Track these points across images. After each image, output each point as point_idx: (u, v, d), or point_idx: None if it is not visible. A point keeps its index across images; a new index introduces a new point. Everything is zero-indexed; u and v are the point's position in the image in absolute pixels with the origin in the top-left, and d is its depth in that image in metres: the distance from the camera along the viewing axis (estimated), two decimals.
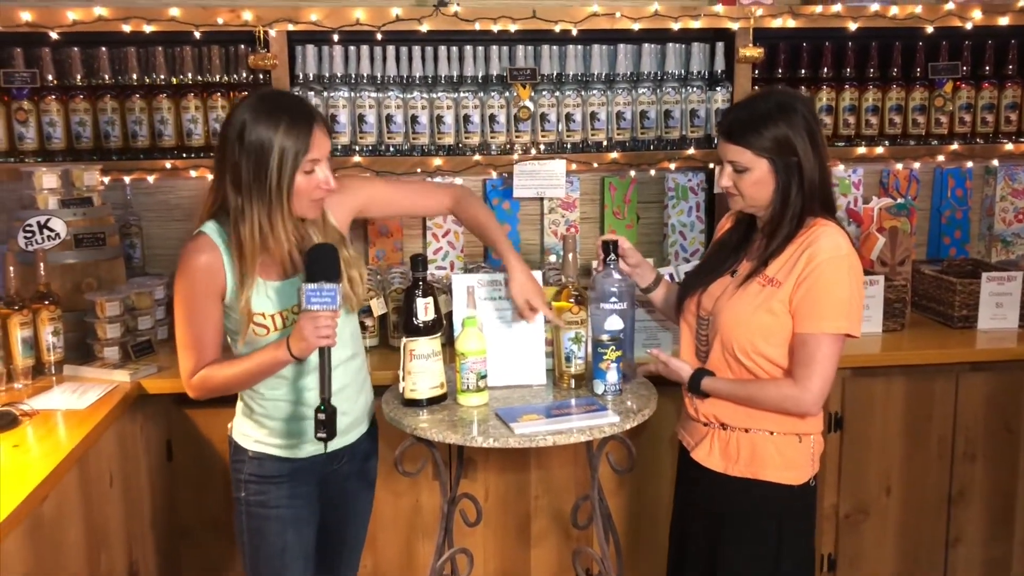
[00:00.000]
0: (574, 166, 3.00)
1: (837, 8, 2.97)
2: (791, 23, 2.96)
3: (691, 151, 3.04)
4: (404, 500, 2.70)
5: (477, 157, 2.95)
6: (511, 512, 2.74)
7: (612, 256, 2.23)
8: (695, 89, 3.02)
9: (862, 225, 3.15)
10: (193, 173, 2.91)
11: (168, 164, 2.89)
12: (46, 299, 2.52)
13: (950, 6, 3.00)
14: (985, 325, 2.92)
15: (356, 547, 2.25)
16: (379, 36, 2.86)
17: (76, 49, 2.87)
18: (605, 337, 2.18)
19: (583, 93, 2.98)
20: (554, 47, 3.00)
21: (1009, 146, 3.18)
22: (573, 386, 2.28)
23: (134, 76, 2.91)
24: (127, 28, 2.75)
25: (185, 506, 2.65)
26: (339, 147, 2.88)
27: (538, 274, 2.29)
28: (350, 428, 2.10)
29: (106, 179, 2.83)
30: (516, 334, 2.31)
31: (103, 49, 2.88)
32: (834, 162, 3.14)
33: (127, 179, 2.97)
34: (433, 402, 2.16)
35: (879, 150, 3.13)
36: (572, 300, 2.26)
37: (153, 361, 2.64)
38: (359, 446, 2.14)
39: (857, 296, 1.93)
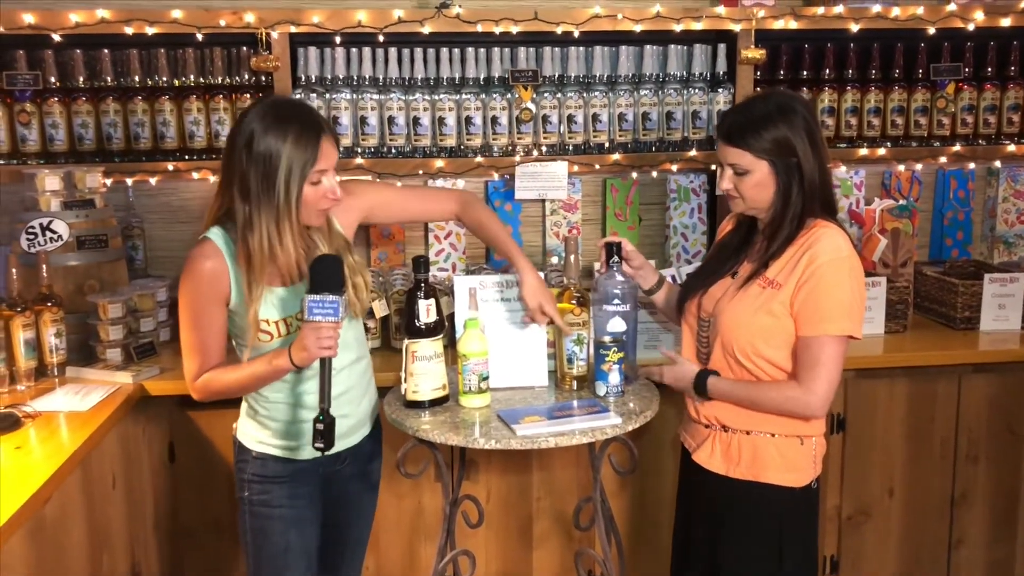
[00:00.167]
0: (576, 168, 3.00)
1: (839, 9, 2.97)
2: (793, 24, 2.96)
3: (693, 152, 3.04)
4: (406, 502, 2.70)
5: (479, 159, 2.95)
6: (513, 514, 2.74)
7: (615, 258, 2.22)
8: (697, 91, 3.02)
9: (864, 226, 3.15)
10: (195, 175, 2.91)
11: (170, 166, 2.88)
12: (48, 301, 2.52)
13: (952, 7, 3.00)
14: (987, 327, 2.91)
15: (359, 548, 2.25)
16: (381, 38, 2.86)
17: (78, 51, 2.87)
18: (607, 339, 2.18)
19: (585, 95, 2.98)
20: (556, 49, 2.99)
21: (1011, 147, 3.17)
22: (575, 388, 2.28)
23: (136, 78, 2.90)
24: (129, 30, 2.74)
25: (187, 507, 2.65)
26: (341, 149, 2.83)
27: (540, 275, 2.27)
28: (353, 430, 2.10)
29: (108, 181, 2.82)
30: (518, 336, 2.30)
31: (105, 51, 2.88)
32: (836, 163, 3.13)
33: (129, 181, 2.96)
34: (435, 404, 2.16)
35: (881, 151, 3.13)
36: (574, 302, 2.26)
37: (155, 363, 2.64)
38: (362, 448, 2.14)
39: (859, 297, 1.92)
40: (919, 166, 3.31)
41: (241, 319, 1.95)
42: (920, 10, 2.97)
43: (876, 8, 2.96)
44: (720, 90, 3.02)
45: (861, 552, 2.85)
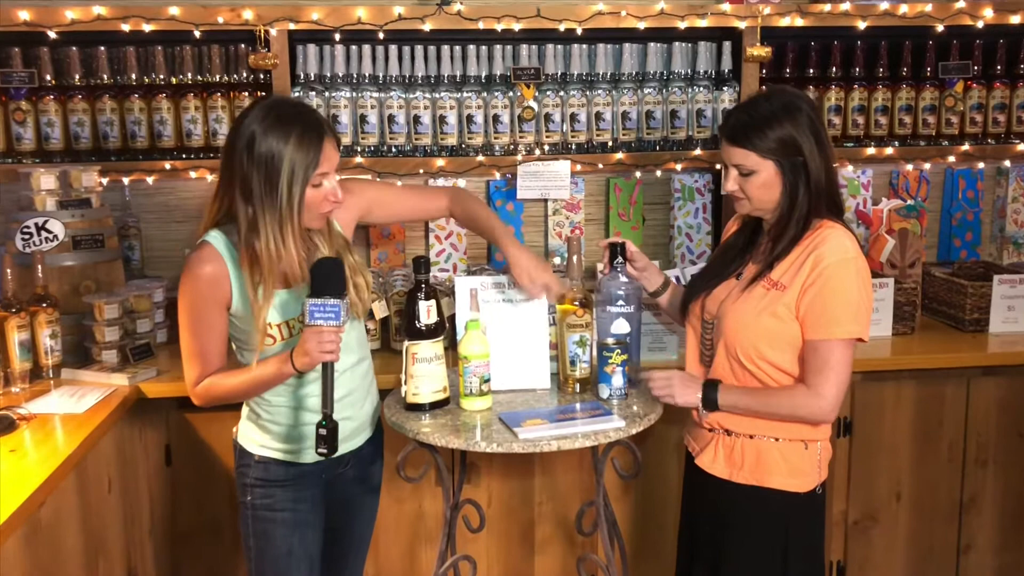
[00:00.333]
0: (579, 167, 2.99)
1: (846, 7, 2.96)
2: (799, 22, 2.95)
3: (697, 152, 3.03)
4: (406, 506, 2.69)
5: (480, 158, 2.94)
6: (515, 518, 2.73)
7: (619, 259, 2.21)
8: (702, 89, 3.00)
9: (871, 227, 3.14)
10: (193, 174, 2.90)
11: (167, 165, 2.88)
12: (44, 301, 2.51)
13: (961, 4, 2.99)
14: (997, 328, 2.90)
15: (361, 552, 2.25)
16: (381, 35, 2.86)
17: (74, 49, 2.86)
18: (611, 341, 2.17)
19: (588, 93, 2.97)
20: (558, 46, 3.00)
21: (1021, 146, 3.17)
22: (578, 390, 2.26)
23: (133, 76, 2.90)
24: (126, 27, 2.74)
25: (184, 512, 2.64)
26: (341, 149, 2.83)
27: None
28: (355, 433, 2.10)
29: (105, 180, 2.81)
30: (520, 337, 2.29)
31: (102, 49, 2.87)
32: (843, 163, 3.13)
33: (126, 180, 2.95)
34: (436, 406, 2.15)
35: (889, 151, 3.12)
36: (577, 303, 2.24)
37: (152, 364, 2.63)
38: (363, 451, 2.14)
39: (866, 299, 1.90)
40: (927, 165, 3.29)
41: (243, 323, 1.95)
42: (928, 7, 2.97)
43: (884, 5, 2.96)
44: (725, 88, 3.01)
45: (868, 558, 2.84)
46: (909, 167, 3.28)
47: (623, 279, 2.21)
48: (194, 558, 2.67)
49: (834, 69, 3.10)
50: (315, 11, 2.77)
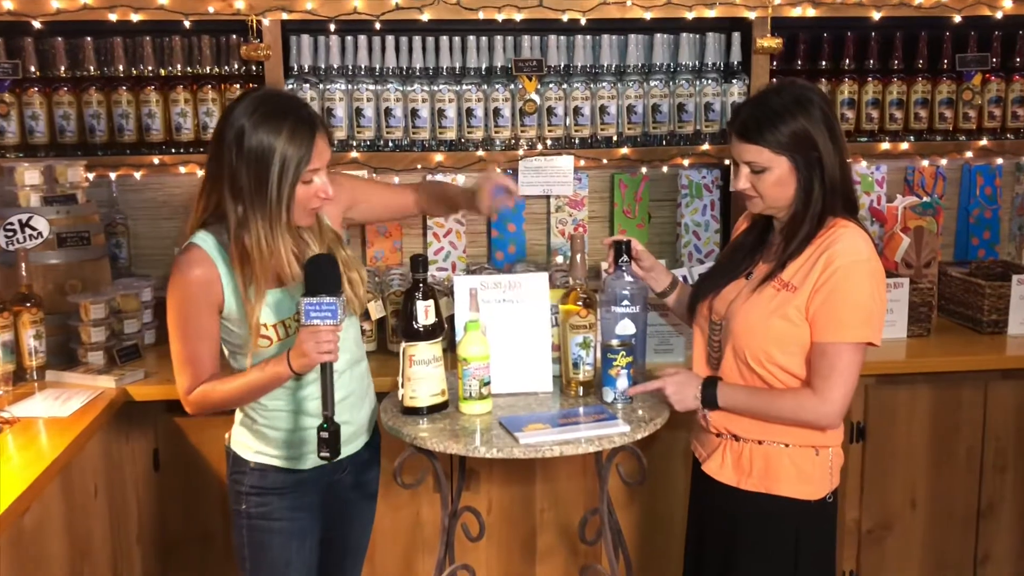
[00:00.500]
0: (582, 162, 2.98)
1: None
2: (811, 12, 2.93)
3: (705, 146, 3.01)
4: (403, 513, 2.68)
5: (480, 153, 2.93)
6: (515, 526, 2.71)
7: (624, 257, 2.20)
8: (710, 81, 2.99)
9: (886, 225, 3.12)
10: (182, 169, 2.89)
11: (156, 160, 2.86)
12: (28, 301, 2.49)
13: None
14: (1016, 330, 2.88)
15: (357, 561, 2.25)
16: (378, 26, 2.84)
17: (60, 39, 2.84)
18: (615, 342, 2.16)
19: (592, 86, 2.95)
20: (561, 37, 2.98)
21: None
22: (581, 394, 2.25)
23: (120, 68, 2.87)
24: (113, 17, 2.72)
25: (172, 518, 2.64)
26: (336, 142, 2.86)
27: (544, 275, 2.29)
28: (353, 437, 2.09)
29: (91, 175, 2.81)
30: (521, 339, 2.28)
31: (88, 39, 2.85)
32: (856, 158, 3.12)
33: (113, 175, 2.94)
34: (434, 410, 2.14)
35: (904, 146, 3.09)
36: (580, 303, 2.23)
37: (140, 366, 2.62)
38: (360, 456, 2.13)
39: (879, 302, 1.89)
40: (944, 161, 3.28)
41: (236, 326, 1.94)
42: None
43: None
44: (734, 81, 2.99)
45: (882, 567, 2.82)
46: (925, 163, 3.27)
47: (628, 278, 2.20)
48: (183, 567, 2.66)
49: (847, 61, 3.08)
50: (309, 1, 2.75)
